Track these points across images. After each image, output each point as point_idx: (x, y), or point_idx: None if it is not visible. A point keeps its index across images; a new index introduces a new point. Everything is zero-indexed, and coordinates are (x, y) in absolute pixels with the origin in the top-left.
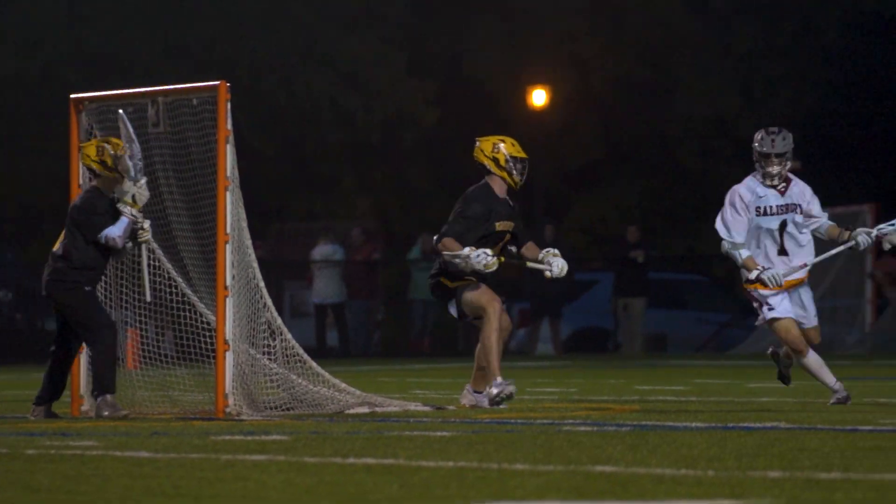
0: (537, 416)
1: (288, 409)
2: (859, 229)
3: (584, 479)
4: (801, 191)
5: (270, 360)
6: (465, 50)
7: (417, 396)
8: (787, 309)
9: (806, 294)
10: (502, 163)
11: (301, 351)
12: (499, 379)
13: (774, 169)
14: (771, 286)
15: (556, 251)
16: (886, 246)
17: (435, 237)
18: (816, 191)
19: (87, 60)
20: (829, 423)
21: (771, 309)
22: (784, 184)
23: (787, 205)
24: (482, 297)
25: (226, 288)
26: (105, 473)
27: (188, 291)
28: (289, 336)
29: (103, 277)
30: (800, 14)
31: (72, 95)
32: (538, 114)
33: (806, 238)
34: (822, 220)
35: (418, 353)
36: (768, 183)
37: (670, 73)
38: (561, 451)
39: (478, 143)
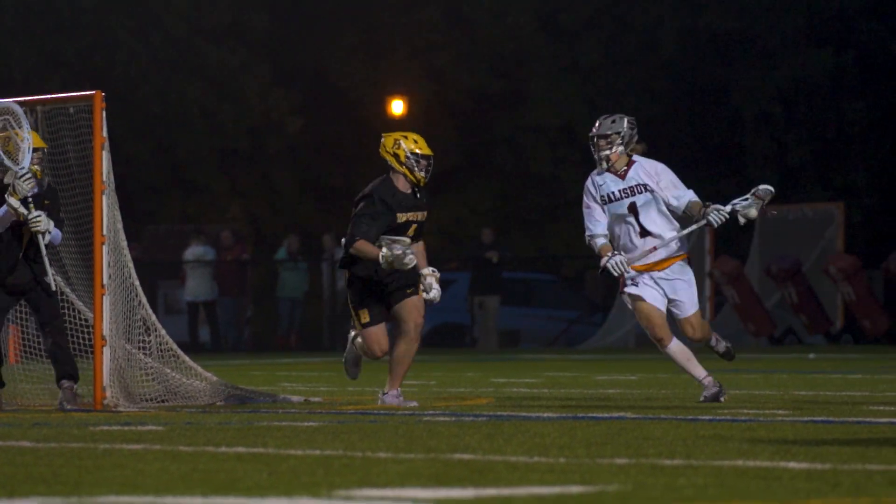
0: (399, 407)
1: (162, 401)
2: (712, 206)
3: (444, 467)
4: (645, 171)
5: (146, 354)
6: (328, 61)
7: (286, 389)
8: (649, 294)
9: (680, 283)
10: (402, 159)
11: (174, 346)
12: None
13: (602, 153)
14: (615, 273)
15: (437, 275)
16: (742, 220)
17: (343, 240)
18: None
19: None
20: (672, 413)
21: (635, 286)
22: (625, 168)
23: (629, 188)
24: (371, 346)
25: (103, 286)
26: None
27: (67, 290)
28: (163, 332)
29: None
30: (641, 30)
31: None
32: (397, 122)
33: (665, 215)
34: (684, 195)
35: (286, 348)
36: (603, 167)
37: (522, 85)
38: (421, 441)
39: (382, 139)
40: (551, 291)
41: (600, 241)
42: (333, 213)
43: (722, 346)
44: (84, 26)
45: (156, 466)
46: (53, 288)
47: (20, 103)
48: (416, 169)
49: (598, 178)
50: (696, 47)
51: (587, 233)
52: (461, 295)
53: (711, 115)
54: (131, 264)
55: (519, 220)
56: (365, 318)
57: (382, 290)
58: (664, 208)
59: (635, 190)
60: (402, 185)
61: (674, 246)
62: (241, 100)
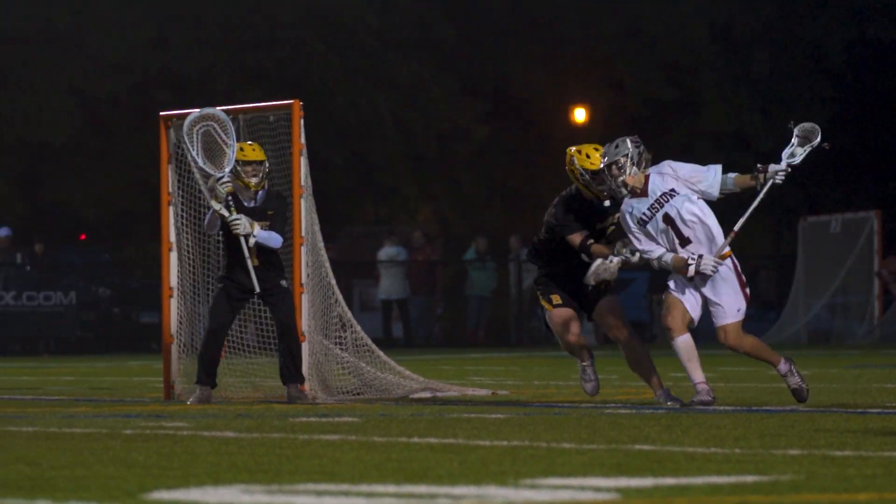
0: (581, 399)
1: (358, 394)
2: (770, 170)
3: (625, 457)
4: (661, 177)
5: (342, 349)
6: (512, 72)
7: (474, 382)
8: (683, 290)
9: (723, 285)
10: (577, 175)
11: (369, 342)
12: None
13: (618, 180)
14: (713, 272)
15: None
16: (799, 162)
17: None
18: (826, 198)
19: (174, 82)
20: (843, 407)
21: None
22: (644, 185)
23: (656, 201)
24: (558, 328)
25: (301, 285)
26: (194, 451)
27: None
28: (358, 328)
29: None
30: (810, 41)
31: (161, 113)
32: (579, 129)
33: (706, 215)
34: (712, 177)
35: (474, 343)
36: (625, 193)
37: (696, 93)
38: (603, 432)
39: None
40: None
41: (668, 256)
42: (518, 216)
43: (795, 380)
44: (282, 40)
45: (351, 456)
46: (258, 290)
47: (224, 112)
48: (591, 185)
49: (625, 206)
50: (864, 56)
51: (646, 255)
52: (640, 293)
53: (879, 123)
54: (328, 264)
55: None
56: (557, 300)
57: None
58: (695, 208)
59: (662, 201)
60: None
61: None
62: (430, 109)
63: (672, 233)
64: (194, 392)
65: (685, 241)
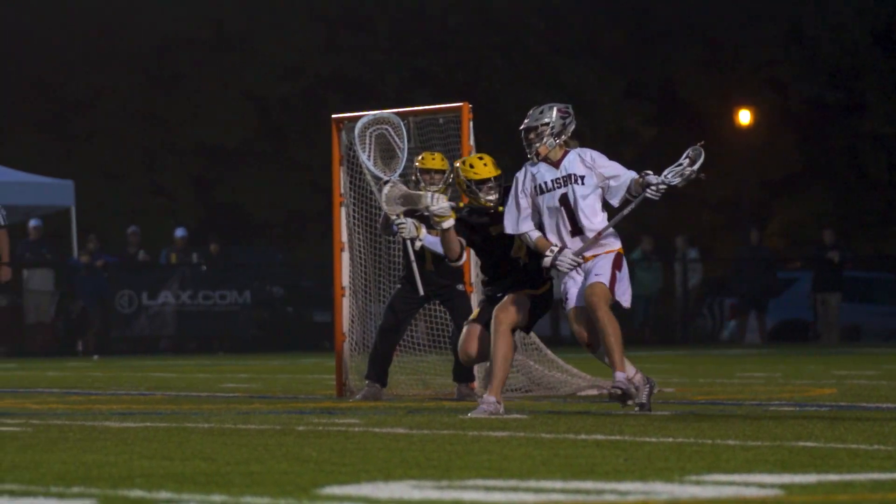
0: (746, 397)
1: (527, 392)
2: (648, 178)
3: (788, 454)
4: (580, 159)
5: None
6: (677, 74)
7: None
8: (574, 297)
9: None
10: (463, 187)
11: (537, 340)
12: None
13: (533, 146)
14: (566, 271)
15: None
16: (679, 184)
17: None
18: None
19: (345, 85)
20: None
21: (567, 301)
22: (560, 158)
23: (563, 177)
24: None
25: (470, 284)
26: (366, 447)
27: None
28: None
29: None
30: None
31: (333, 116)
32: (743, 131)
33: (598, 214)
34: (624, 179)
35: (641, 341)
36: (535, 161)
37: (858, 95)
38: (767, 429)
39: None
40: (890, 289)
41: (534, 234)
42: (683, 217)
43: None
44: (451, 45)
45: (520, 452)
46: (421, 293)
47: (395, 114)
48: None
49: (532, 168)
50: None
51: (510, 229)
52: (804, 293)
53: None
54: None
55: (858, 222)
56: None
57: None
58: (599, 205)
59: (568, 180)
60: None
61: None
62: (597, 111)
63: (564, 216)
64: (363, 389)
65: (576, 231)
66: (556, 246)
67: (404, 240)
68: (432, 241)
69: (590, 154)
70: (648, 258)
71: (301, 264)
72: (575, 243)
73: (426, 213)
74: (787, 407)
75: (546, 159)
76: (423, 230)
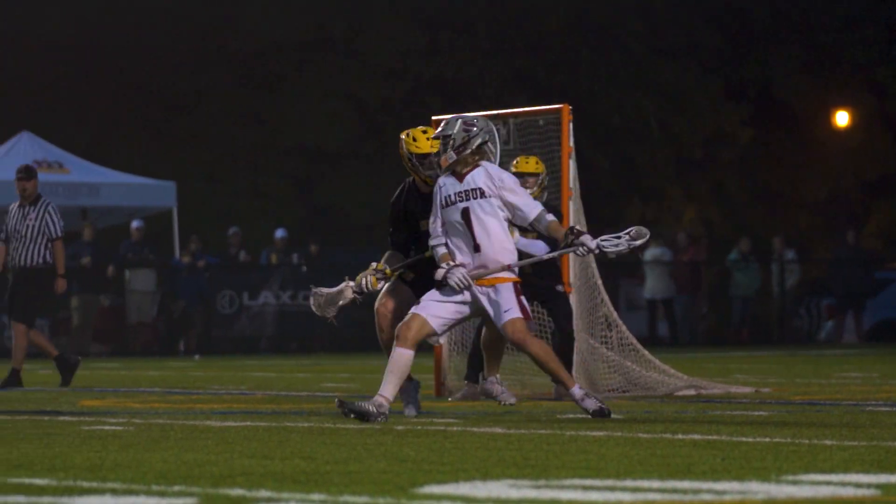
0: (843, 397)
1: (624, 392)
2: (583, 238)
3: (885, 454)
4: (487, 175)
5: (608, 348)
6: (775, 76)
7: (737, 380)
8: (425, 307)
9: (503, 291)
10: (406, 160)
11: (634, 340)
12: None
13: (441, 157)
14: (457, 289)
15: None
16: (611, 255)
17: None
18: None
19: (445, 87)
20: None
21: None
22: (467, 171)
23: (464, 191)
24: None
25: (569, 285)
26: (464, 447)
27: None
28: (624, 328)
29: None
30: None
31: (433, 118)
32: (841, 133)
33: (502, 234)
34: (532, 206)
35: (738, 342)
36: (438, 173)
37: None
38: (864, 429)
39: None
40: None
41: (441, 250)
42: (781, 217)
43: (592, 402)
44: (550, 46)
45: (617, 452)
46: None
47: (495, 116)
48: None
49: (441, 180)
50: None
51: (430, 241)
52: None
53: None
54: (594, 264)
55: None
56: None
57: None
58: (504, 225)
59: (470, 194)
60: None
61: (506, 261)
62: (695, 113)
63: (466, 230)
64: (462, 389)
65: (476, 247)
66: (452, 264)
67: None
68: (525, 244)
69: (498, 172)
70: (746, 259)
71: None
72: (477, 259)
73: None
74: (883, 407)
75: (454, 172)
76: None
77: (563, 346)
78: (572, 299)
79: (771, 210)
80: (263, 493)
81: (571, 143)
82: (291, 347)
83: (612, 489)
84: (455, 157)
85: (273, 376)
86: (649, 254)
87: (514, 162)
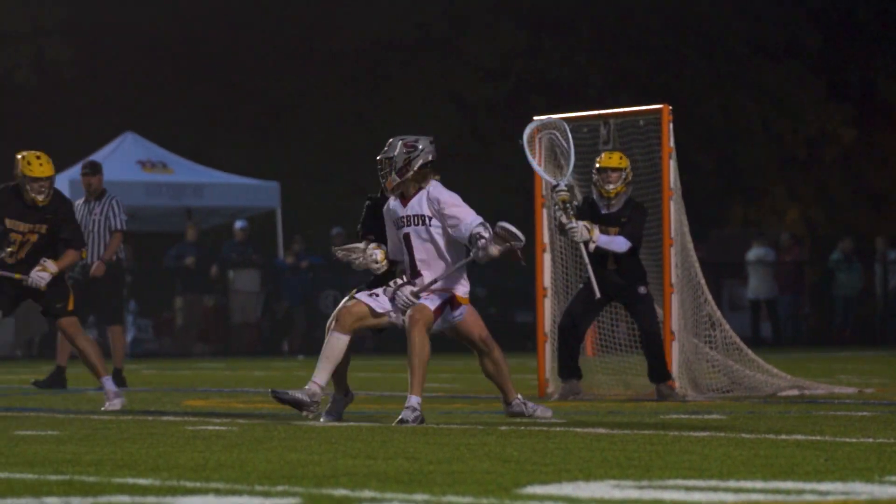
0: None
1: (727, 392)
2: (481, 243)
3: None
4: (427, 199)
5: (711, 348)
6: (878, 76)
7: (841, 381)
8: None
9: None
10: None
11: (738, 340)
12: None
13: (386, 180)
14: (403, 308)
15: None
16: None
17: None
18: None
19: (547, 87)
20: None
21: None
22: (412, 195)
23: (406, 216)
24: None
25: (671, 285)
26: (567, 447)
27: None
28: (727, 327)
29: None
30: None
31: (535, 118)
32: None
33: (443, 253)
34: (462, 226)
35: (841, 342)
36: (387, 195)
37: None
38: None
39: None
40: None
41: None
42: (884, 218)
43: (531, 408)
44: (653, 46)
45: (720, 452)
46: (598, 295)
47: (595, 116)
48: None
49: (389, 201)
50: None
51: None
52: None
53: None
54: (697, 265)
55: None
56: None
57: None
58: (443, 248)
59: (411, 220)
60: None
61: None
62: (798, 113)
63: (407, 254)
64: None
65: (415, 273)
66: (400, 280)
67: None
68: (606, 241)
69: (439, 196)
70: (849, 259)
71: (504, 265)
72: (418, 282)
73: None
74: None
75: (401, 195)
76: (596, 232)
77: (650, 347)
78: (675, 299)
79: (874, 210)
80: (367, 494)
81: (672, 144)
82: (394, 348)
83: (714, 490)
84: (398, 179)
85: (377, 376)
86: (752, 254)
87: (598, 158)
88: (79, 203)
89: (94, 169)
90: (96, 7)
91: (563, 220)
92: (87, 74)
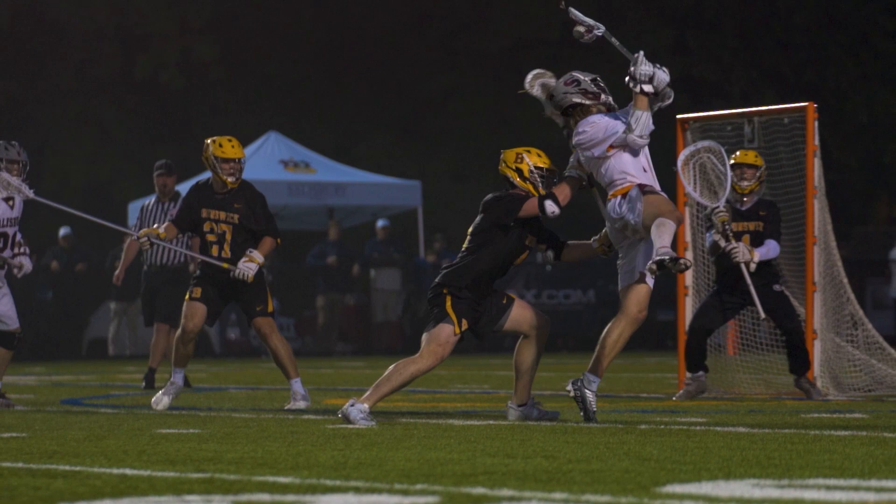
0: None
1: (869, 391)
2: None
3: None
4: None
5: (853, 346)
6: None
7: None
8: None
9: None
10: (525, 174)
11: (881, 339)
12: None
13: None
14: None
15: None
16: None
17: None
18: None
19: (692, 84)
20: None
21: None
22: None
23: None
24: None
25: (814, 284)
26: (707, 446)
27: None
28: (870, 326)
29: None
30: None
31: (678, 116)
32: None
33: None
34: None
35: None
36: None
37: None
38: None
39: (502, 155)
40: None
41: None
42: None
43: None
44: (798, 44)
45: (861, 451)
46: (763, 316)
47: (740, 115)
48: (538, 184)
49: None
50: None
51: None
52: None
53: None
54: (840, 263)
55: None
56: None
57: None
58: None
59: None
60: None
61: None
62: None
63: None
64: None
65: None
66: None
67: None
68: (763, 253)
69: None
70: None
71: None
72: None
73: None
74: None
75: None
76: (757, 254)
77: (793, 341)
78: (817, 298)
79: None
80: (505, 492)
81: (816, 142)
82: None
83: (856, 489)
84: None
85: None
86: (895, 251)
87: (734, 154)
88: (150, 203)
89: (170, 169)
90: (241, 7)
91: (722, 242)
92: (232, 74)
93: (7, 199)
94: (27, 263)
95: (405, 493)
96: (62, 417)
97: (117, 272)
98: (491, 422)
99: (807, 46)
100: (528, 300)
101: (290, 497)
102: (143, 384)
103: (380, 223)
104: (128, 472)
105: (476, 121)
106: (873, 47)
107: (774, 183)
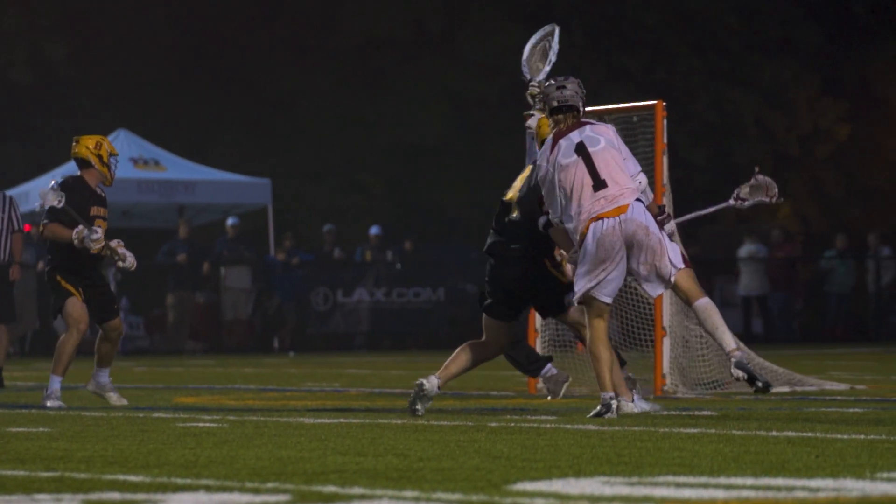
0: None
1: (716, 388)
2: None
3: None
4: None
5: (702, 344)
6: (873, 72)
7: (832, 377)
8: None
9: None
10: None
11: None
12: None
13: None
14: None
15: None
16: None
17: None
18: None
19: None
20: None
21: None
22: None
23: None
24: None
25: None
26: (557, 443)
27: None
28: None
29: None
30: None
31: (525, 113)
32: None
33: None
34: None
35: (833, 339)
36: None
37: None
38: None
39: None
40: None
41: None
42: (878, 214)
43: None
44: (646, 42)
45: (710, 448)
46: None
47: (588, 113)
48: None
49: None
50: None
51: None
52: None
53: None
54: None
55: None
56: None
57: None
58: None
59: None
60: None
61: None
62: (792, 109)
63: None
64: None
65: None
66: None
67: None
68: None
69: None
70: (841, 255)
71: None
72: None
73: None
74: None
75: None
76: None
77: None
78: (665, 296)
79: (867, 207)
80: (357, 490)
81: (665, 140)
82: (385, 344)
83: (705, 486)
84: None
85: (367, 373)
86: (744, 250)
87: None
88: None
89: None
90: (91, 5)
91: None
92: (82, 72)
93: None
94: None
95: (256, 491)
96: None
97: None
98: (342, 420)
99: (655, 45)
100: (378, 299)
101: (141, 496)
102: None
103: (230, 221)
104: None
105: (325, 119)
106: (722, 45)
107: None
